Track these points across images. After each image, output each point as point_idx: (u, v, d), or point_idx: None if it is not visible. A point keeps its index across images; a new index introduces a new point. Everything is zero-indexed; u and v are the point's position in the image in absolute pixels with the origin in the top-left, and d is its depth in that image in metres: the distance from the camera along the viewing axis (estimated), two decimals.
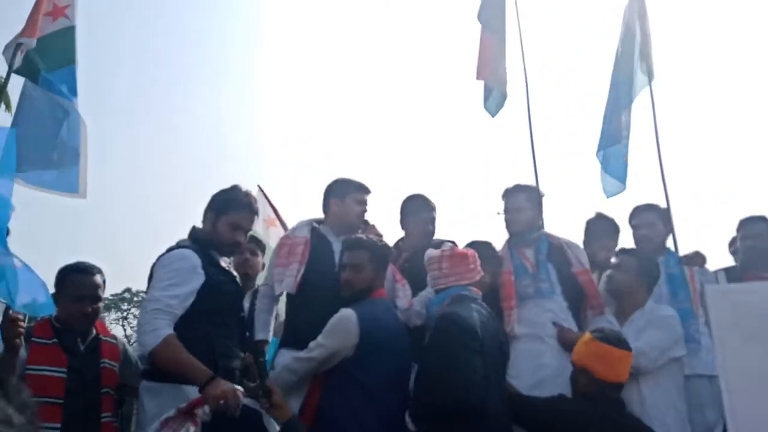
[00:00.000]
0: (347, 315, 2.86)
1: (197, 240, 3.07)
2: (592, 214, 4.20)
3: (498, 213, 3.82)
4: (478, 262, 3.12)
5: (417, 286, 3.47)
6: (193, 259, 2.91)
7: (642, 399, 3.13)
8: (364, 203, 3.67)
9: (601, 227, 4.08)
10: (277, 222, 5.80)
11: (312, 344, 2.89)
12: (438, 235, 3.94)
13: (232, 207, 3.09)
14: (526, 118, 5.16)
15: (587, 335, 2.95)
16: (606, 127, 5.12)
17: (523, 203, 3.76)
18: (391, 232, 4.11)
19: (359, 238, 3.18)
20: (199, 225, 3.19)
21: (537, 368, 3.32)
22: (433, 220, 3.94)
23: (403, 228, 4.01)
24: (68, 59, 4.23)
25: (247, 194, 3.17)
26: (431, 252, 3.16)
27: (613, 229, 4.07)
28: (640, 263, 3.45)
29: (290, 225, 4.81)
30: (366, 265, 3.07)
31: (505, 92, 5.54)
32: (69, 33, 4.25)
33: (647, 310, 3.37)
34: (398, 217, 4.04)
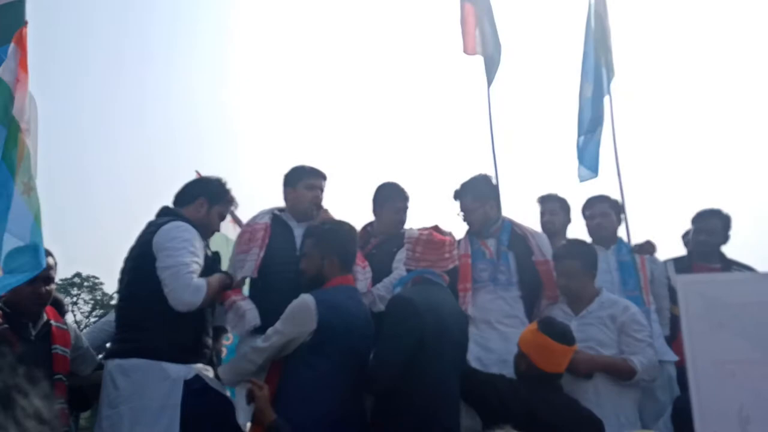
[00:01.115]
0: (305, 301, 2.82)
1: (188, 222, 3.07)
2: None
3: (457, 214, 3.84)
4: (455, 251, 3.13)
5: (384, 273, 3.45)
6: (196, 233, 3.02)
7: (597, 390, 3.18)
8: (315, 188, 3.66)
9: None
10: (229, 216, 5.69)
11: (269, 331, 2.87)
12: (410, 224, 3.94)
13: (224, 198, 3.25)
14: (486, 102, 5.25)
15: (534, 324, 2.99)
16: (582, 115, 5.27)
17: (470, 204, 3.77)
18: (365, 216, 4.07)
19: (309, 226, 3.15)
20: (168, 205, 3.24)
21: (483, 352, 3.36)
22: (405, 209, 3.94)
23: (374, 214, 3.98)
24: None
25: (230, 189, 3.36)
26: (411, 232, 3.18)
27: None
28: (582, 261, 3.46)
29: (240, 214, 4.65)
30: (310, 251, 3.04)
31: (498, 59, 5.60)
32: (18, 6, 4.08)
33: (607, 302, 3.38)
34: (371, 202, 4.01)
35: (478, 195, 3.79)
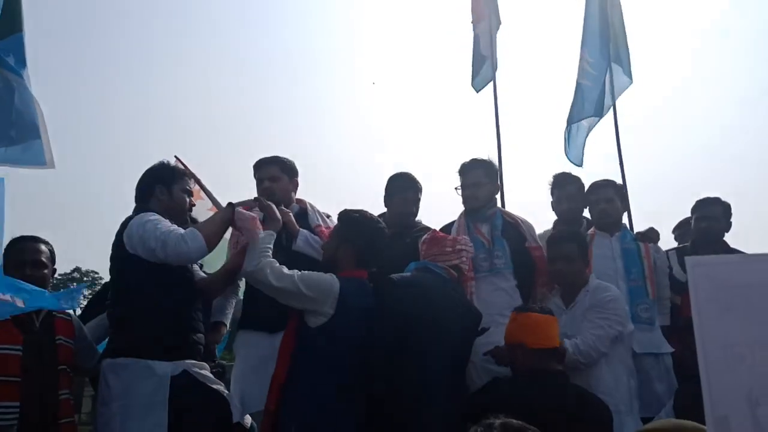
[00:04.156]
0: (331, 281, 2.81)
1: (156, 213, 3.05)
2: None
3: (456, 189, 3.83)
4: (460, 247, 3.14)
5: (398, 264, 3.25)
6: (159, 216, 2.98)
7: (598, 377, 3.17)
8: (260, 180, 3.57)
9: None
10: (202, 193, 5.50)
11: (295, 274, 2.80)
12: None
13: (178, 175, 3.21)
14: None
15: (512, 314, 3.01)
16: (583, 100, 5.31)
17: (481, 178, 3.76)
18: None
19: (340, 212, 3.13)
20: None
21: (486, 346, 3.27)
22: (416, 200, 3.89)
23: (386, 205, 3.94)
24: (15, 27, 4.03)
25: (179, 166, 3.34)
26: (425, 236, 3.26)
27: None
28: (579, 246, 3.45)
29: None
30: (333, 233, 3.10)
31: (496, 63, 5.66)
32: None
33: (591, 290, 3.37)
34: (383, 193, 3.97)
35: (489, 171, 3.81)
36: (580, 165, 5.50)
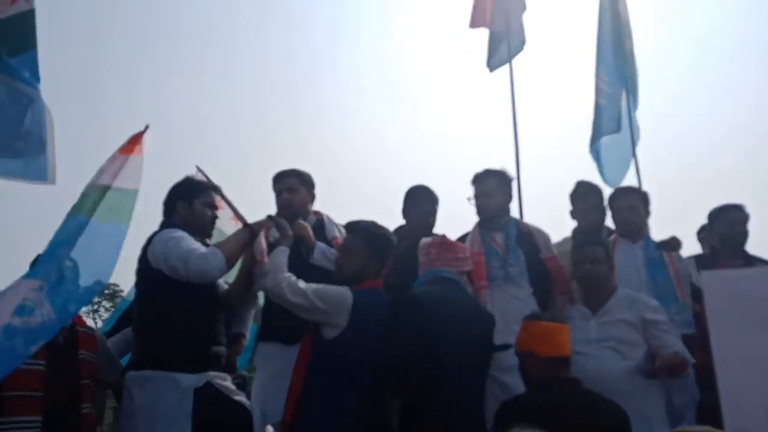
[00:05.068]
0: (346, 293, 2.82)
1: (179, 227, 3.08)
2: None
3: (468, 199, 3.82)
4: (469, 254, 3.13)
5: (414, 275, 3.27)
6: (183, 232, 3.01)
7: (622, 390, 3.04)
8: (280, 192, 3.61)
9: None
10: (222, 203, 5.48)
11: (307, 288, 2.82)
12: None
13: (200, 190, 3.21)
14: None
15: (522, 323, 2.96)
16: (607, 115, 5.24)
17: (493, 188, 3.75)
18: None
19: (357, 222, 3.13)
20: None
21: (498, 355, 3.22)
22: (434, 212, 3.92)
23: (404, 217, 3.97)
24: (29, 44, 4.11)
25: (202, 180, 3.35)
26: (424, 239, 3.21)
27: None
28: (605, 250, 3.43)
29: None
30: (357, 250, 3.03)
31: (523, 40, 5.59)
32: (28, 16, 4.12)
33: (623, 301, 3.33)
34: (401, 205, 3.98)
35: (502, 181, 3.79)
36: (616, 186, 5.27)
